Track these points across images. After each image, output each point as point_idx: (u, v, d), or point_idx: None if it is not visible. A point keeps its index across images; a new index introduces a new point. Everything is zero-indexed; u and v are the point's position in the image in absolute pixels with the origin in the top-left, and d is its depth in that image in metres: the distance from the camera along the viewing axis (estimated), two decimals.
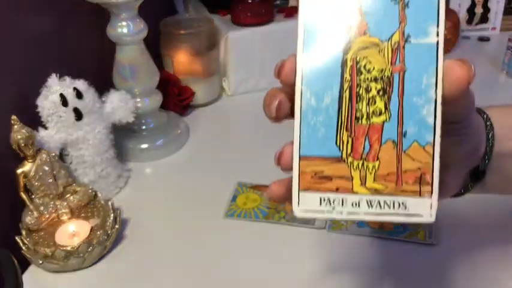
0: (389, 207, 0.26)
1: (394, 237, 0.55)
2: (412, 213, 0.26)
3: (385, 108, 0.26)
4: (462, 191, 0.37)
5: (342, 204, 0.27)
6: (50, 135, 0.60)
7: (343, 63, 0.27)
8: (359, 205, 0.27)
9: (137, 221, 0.62)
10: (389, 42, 0.27)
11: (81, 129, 0.61)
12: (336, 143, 0.27)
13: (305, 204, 0.27)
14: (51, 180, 0.58)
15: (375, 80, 0.27)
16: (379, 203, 0.26)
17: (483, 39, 1.07)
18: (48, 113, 0.59)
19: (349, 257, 0.54)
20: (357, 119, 0.27)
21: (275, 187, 0.31)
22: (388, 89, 0.26)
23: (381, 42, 0.27)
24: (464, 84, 0.26)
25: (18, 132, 0.54)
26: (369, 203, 0.26)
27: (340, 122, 0.27)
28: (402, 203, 0.26)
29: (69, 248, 0.54)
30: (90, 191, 0.61)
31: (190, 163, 0.74)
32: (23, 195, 0.57)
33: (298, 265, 0.53)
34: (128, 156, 0.74)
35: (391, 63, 0.27)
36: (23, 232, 0.56)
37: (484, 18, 1.07)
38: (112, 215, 0.58)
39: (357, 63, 0.27)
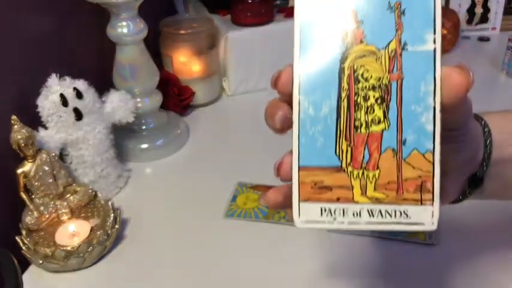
0: (390, 216, 0.26)
1: (394, 237, 0.55)
2: (414, 221, 0.26)
3: (384, 116, 0.26)
4: (460, 197, 0.37)
5: (343, 214, 0.27)
6: (50, 135, 0.60)
7: (341, 72, 0.27)
8: (360, 215, 0.26)
9: (137, 221, 0.62)
10: (386, 50, 0.26)
11: (81, 129, 0.61)
12: (335, 152, 0.27)
13: (306, 215, 0.27)
14: (51, 180, 0.58)
15: (373, 88, 0.27)
16: (381, 212, 0.26)
17: (483, 39, 1.07)
18: (48, 113, 0.59)
19: (349, 257, 0.54)
20: (355, 127, 0.27)
21: (272, 194, 0.31)
22: (386, 97, 0.26)
23: (377, 51, 0.27)
24: (462, 91, 0.26)
25: (18, 132, 0.54)
26: (370, 212, 0.26)
27: (339, 131, 0.27)
28: (404, 212, 0.26)
29: (69, 248, 0.54)
30: (90, 191, 0.61)
31: (190, 163, 0.74)
32: (23, 195, 0.57)
33: (298, 265, 0.53)
34: (128, 156, 0.74)
35: (388, 71, 0.26)
36: (23, 232, 0.56)
37: (484, 18, 1.07)
38: (112, 215, 0.58)
39: (354, 71, 0.27)
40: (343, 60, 0.27)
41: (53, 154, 0.59)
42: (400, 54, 0.26)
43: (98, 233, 0.56)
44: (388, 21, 0.27)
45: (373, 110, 0.27)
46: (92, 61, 0.76)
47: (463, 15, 1.06)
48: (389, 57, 0.26)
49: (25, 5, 0.61)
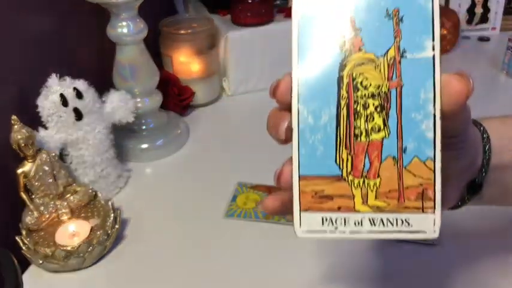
0: (392, 224, 0.26)
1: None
2: (416, 229, 0.26)
3: (384, 124, 0.26)
4: (459, 203, 0.37)
5: (345, 224, 0.26)
6: (50, 135, 0.60)
7: (340, 80, 0.27)
8: (362, 224, 0.26)
9: (137, 221, 0.62)
10: (385, 57, 0.26)
11: (81, 129, 0.61)
12: (336, 161, 0.27)
13: (307, 224, 0.27)
14: (51, 180, 0.58)
15: (372, 96, 0.26)
16: (382, 221, 0.26)
17: (483, 39, 1.07)
18: (48, 113, 0.59)
19: (349, 257, 0.54)
20: (355, 136, 0.27)
21: (270, 201, 0.31)
22: (385, 105, 0.26)
23: (376, 58, 0.26)
24: (462, 98, 0.26)
25: (18, 132, 0.54)
26: (372, 221, 0.26)
27: (339, 139, 0.27)
28: (405, 220, 0.26)
29: (69, 248, 0.54)
30: (90, 191, 0.61)
31: (190, 163, 0.74)
32: (23, 195, 0.57)
33: (298, 265, 0.53)
34: (128, 156, 0.74)
35: (387, 79, 0.26)
36: (23, 232, 0.56)
37: (484, 18, 1.07)
38: (112, 215, 0.58)
39: (353, 79, 0.27)
40: (341, 68, 0.27)
41: (53, 154, 0.59)
42: (399, 62, 0.26)
43: (98, 233, 0.56)
44: (387, 29, 0.26)
45: (373, 118, 0.26)
46: (92, 61, 0.76)
47: (463, 15, 1.06)
48: (388, 65, 0.26)
49: (25, 5, 0.61)
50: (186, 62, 0.86)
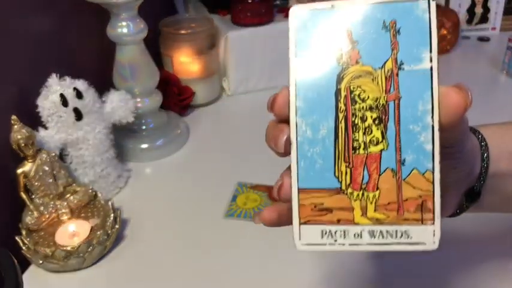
0: (391, 236, 0.26)
1: None
2: (415, 241, 0.26)
3: (382, 136, 0.26)
4: (458, 211, 0.37)
5: (344, 236, 0.27)
6: (50, 135, 0.60)
7: (337, 93, 0.27)
8: (361, 236, 0.26)
9: (137, 221, 0.62)
10: (383, 70, 0.26)
11: (81, 129, 0.61)
12: (335, 174, 0.27)
13: (306, 237, 0.27)
14: (51, 180, 0.58)
15: (370, 108, 0.27)
16: (382, 233, 0.26)
17: (483, 39, 1.07)
18: (48, 113, 0.59)
19: (350, 257, 0.54)
20: (354, 149, 0.27)
21: (267, 213, 0.31)
22: (384, 117, 0.26)
23: (374, 71, 0.26)
24: (461, 111, 0.26)
25: (18, 132, 0.54)
26: (371, 233, 0.26)
27: (337, 152, 0.27)
28: (405, 232, 0.26)
29: (69, 248, 0.54)
30: (90, 191, 0.61)
31: (190, 163, 0.74)
32: (23, 195, 0.57)
33: (298, 265, 0.53)
34: (128, 156, 0.74)
35: (385, 91, 0.26)
36: (23, 232, 0.56)
37: (484, 18, 1.07)
38: (112, 215, 0.58)
39: (351, 92, 0.27)
40: (339, 81, 0.27)
41: (53, 154, 0.59)
42: (397, 74, 0.26)
43: (98, 233, 0.56)
44: (384, 41, 0.26)
45: (371, 131, 0.27)
46: (92, 61, 0.76)
47: (463, 15, 1.06)
48: (385, 77, 0.26)
49: (25, 5, 0.61)
50: (186, 62, 0.86)
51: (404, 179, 0.26)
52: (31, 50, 0.63)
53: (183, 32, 0.85)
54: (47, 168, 0.58)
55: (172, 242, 0.59)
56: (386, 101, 0.26)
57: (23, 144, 0.55)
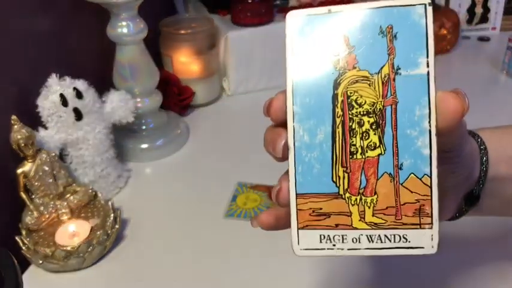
0: (390, 240, 0.26)
1: None
2: (414, 245, 0.26)
3: (380, 141, 0.26)
4: (457, 214, 0.37)
5: (343, 241, 0.27)
6: (50, 135, 0.60)
7: (334, 98, 0.27)
8: (359, 240, 0.26)
9: (137, 221, 0.62)
10: (379, 75, 0.26)
11: (81, 129, 0.61)
12: (332, 178, 0.27)
13: (305, 242, 0.27)
14: (51, 180, 0.58)
15: (367, 113, 0.27)
16: (380, 237, 0.26)
17: (483, 39, 1.07)
18: (48, 113, 0.59)
19: (350, 258, 0.54)
20: (351, 153, 0.27)
21: (264, 217, 0.31)
22: (381, 122, 0.26)
23: (370, 76, 0.26)
24: (458, 116, 0.26)
25: (18, 132, 0.54)
26: (370, 238, 0.26)
27: (335, 157, 0.27)
28: (403, 236, 0.26)
29: (69, 248, 0.54)
30: (90, 191, 0.61)
31: (190, 163, 0.74)
32: (23, 195, 0.57)
33: (298, 265, 0.53)
34: (128, 156, 0.74)
35: (382, 96, 0.26)
36: (23, 232, 0.56)
37: (484, 18, 1.07)
38: (112, 215, 0.58)
39: (348, 97, 0.27)
40: (336, 86, 0.27)
41: (53, 154, 0.59)
42: (393, 79, 0.26)
43: (98, 233, 0.56)
44: (380, 46, 0.26)
45: (368, 136, 0.27)
46: (92, 61, 0.76)
47: (463, 15, 1.06)
48: (382, 82, 0.26)
49: (25, 5, 0.61)
50: (186, 62, 0.86)
51: (402, 184, 0.26)
52: (31, 50, 0.63)
53: (183, 32, 0.85)
54: (47, 168, 0.58)
55: (172, 242, 0.59)
56: (383, 106, 0.26)
57: (23, 144, 0.55)
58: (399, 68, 0.26)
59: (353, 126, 0.27)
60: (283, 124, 0.28)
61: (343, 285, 0.51)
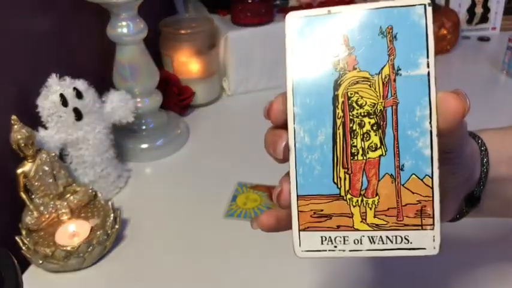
0: (391, 242, 0.26)
1: None
2: (415, 246, 0.26)
3: (381, 142, 0.26)
4: (458, 216, 0.37)
5: (344, 242, 0.27)
6: (50, 135, 0.60)
7: (335, 100, 0.27)
8: (361, 242, 0.26)
9: (137, 221, 0.62)
10: (380, 76, 0.26)
11: (81, 129, 0.61)
12: (333, 180, 0.27)
13: (306, 244, 0.27)
14: (51, 180, 0.58)
15: (368, 114, 0.26)
16: (381, 239, 0.26)
17: (483, 39, 1.07)
18: (48, 113, 0.59)
19: (351, 259, 0.54)
20: (352, 155, 0.27)
21: (265, 218, 0.31)
22: (381, 123, 0.26)
23: (371, 76, 0.26)
24: (459, 116, 0.26)
25: (18, 132, 0.54)
26: (371, 239, 0.26)
27: (335, 158, 0.27)
28: (405, 237, 0.26)
29: (69, 248, 0.54)
30: (90, 191, 0.61)
31: (190, 163, 0.74)
32: (23, 195, 0.57)
33: (299, 265, 0.53)
34: (128, 156, 0.74)
35: (383, 97, 0.26)
36: (23, 232, 0.56)
37: (484, 18, 1.07)
38: (112, 215, 0.58)
39: (349, 98, 0.27)
40: (336, 87, 0.27)
41: (53, 154, 0.59)
42: (394, 80, 0.26)
43: (98, 233, 0.56)
44: (380, 47, 0.26)
45: (369, 137, 0.26)
46: (92, 61, 0.76)
47: (463, 15, 1.06)
48: (383, 83, 0.26)
49: (25, 5, 0.61)
50: (186, 62, 0.86)
51: (403, 185, 0.26)
52: (31, 50, 0.63)
53: (183, 32, 0.85)
54: (47, 168, 0.58)
55: (172, 242, 0.59)
56: (384, 107, 0.26)
57: (23, 144, 0.55)
58: (399, 69, 0.26)
59: (354, 128, 0.27)
60: (283, 126, 0.28)
61: (344, 286, 0.51)
